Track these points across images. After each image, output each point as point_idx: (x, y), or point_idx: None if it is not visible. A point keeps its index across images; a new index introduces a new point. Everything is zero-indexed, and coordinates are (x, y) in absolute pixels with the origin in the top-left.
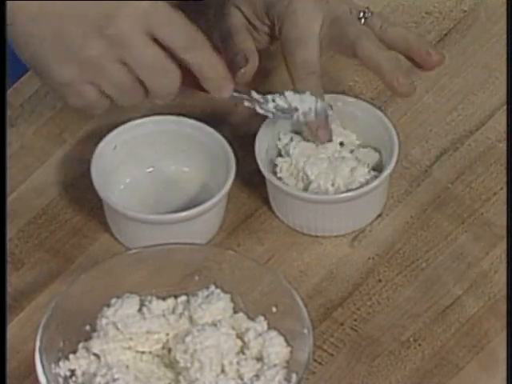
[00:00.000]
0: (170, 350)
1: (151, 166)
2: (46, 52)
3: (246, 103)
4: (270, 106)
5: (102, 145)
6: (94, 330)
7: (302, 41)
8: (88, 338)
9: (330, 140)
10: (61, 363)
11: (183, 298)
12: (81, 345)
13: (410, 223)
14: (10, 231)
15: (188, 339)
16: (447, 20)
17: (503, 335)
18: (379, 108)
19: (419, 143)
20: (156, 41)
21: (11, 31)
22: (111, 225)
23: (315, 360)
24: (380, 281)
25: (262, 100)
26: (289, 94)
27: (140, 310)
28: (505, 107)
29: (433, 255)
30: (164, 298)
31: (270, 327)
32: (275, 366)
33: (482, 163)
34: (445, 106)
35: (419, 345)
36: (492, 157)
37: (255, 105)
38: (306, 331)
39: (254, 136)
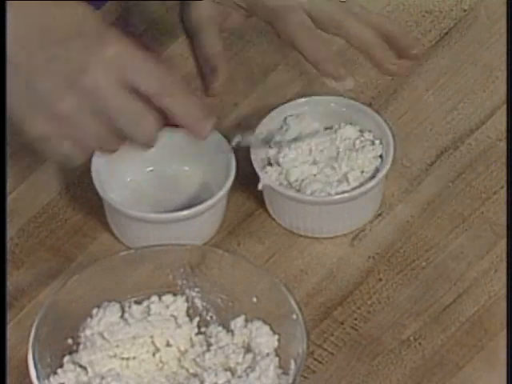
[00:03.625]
0: (154, 354)
1: (152, 165)
2: (20, 106)
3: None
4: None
5: None
6: (75, 342)
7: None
8: (72, 351)
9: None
10: (51, 378)
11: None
12: (66, 358)
13: (411, 222)
14: (11, 230)
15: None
16: (447, 19)
17: (503, 334)
18: (379, 107)
19: (419, 142)
20: (131, 87)
21: None
22: (111, 224)
23: (315, 359)
24: (380, 280)
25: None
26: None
27: (122, 316)
28: (505, 106)
29: (433, 254)
30: (141, 302)
31: (253, 317)
32: (268, 355)
33: (482, 162)
34: (445, 105)
35: (419, 344)
36: (492, 156)
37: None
38: (294, 317)
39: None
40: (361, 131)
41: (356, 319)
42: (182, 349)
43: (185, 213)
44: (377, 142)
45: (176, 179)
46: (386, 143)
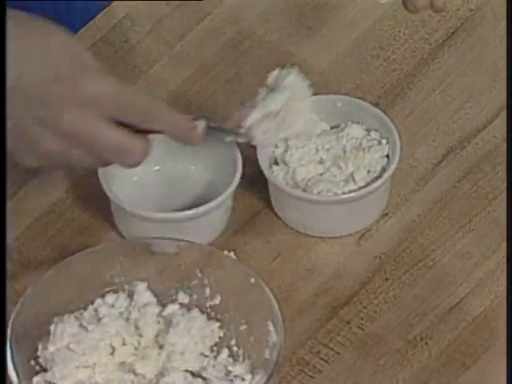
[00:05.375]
0: (112, 353)
1: (158, 164)
2: (9, 142)
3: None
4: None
5: None
6: (37, 363)
7: None
8: (38, 372)
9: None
10: None
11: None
12: (35, 379)
13: (417, 222)
14: (17, 229)
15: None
16: (454, 18)
17: (510, 334)
18: (385, 107)
19: (426, 142)
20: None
21: None
22: (118, 223)
23: (322, 358)
24: (387, 279)
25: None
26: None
27: (80, 325)
28: (509, 106)
29: (439, 254)
30: (85, 308)
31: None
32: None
33: (488, 162)
34: (451, 105)
35: (426, 343)
36: (498, 155)
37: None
38: (252, 280)
39: None
40: (367, 130)
41: (362, 319)
42: (136, 343)
43: (191, 212)
44: (383, 141)
45: (182, 178)
46: (392, 143)
